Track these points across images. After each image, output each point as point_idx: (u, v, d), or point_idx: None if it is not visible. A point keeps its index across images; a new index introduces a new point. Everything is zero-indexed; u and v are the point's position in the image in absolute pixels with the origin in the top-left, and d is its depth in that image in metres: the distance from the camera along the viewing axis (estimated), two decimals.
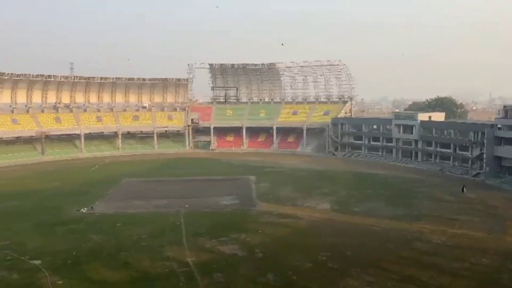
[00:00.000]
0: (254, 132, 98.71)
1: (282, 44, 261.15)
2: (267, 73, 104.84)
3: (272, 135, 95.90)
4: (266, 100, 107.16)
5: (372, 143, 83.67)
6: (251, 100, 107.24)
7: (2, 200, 46.68)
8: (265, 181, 57.02)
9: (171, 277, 25.19)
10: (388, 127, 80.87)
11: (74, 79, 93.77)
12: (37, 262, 27.63)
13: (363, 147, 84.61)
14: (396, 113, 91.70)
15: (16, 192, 51.19)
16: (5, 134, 79.65)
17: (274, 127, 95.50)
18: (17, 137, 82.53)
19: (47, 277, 25.03)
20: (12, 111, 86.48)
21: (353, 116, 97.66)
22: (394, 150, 79.19)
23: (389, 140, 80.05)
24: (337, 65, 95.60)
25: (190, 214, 40.13)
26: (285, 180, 58.84)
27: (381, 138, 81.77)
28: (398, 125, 77.83)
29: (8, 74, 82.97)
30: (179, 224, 36.53)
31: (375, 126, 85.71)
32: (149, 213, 40.79)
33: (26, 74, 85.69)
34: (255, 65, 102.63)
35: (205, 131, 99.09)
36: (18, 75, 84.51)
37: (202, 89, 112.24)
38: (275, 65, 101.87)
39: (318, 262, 27.61)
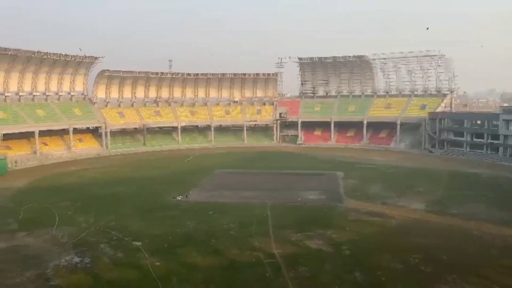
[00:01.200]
0: (343, 126, 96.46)
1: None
2: (357, 65, 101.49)
3: (362, 130, 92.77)
4: (356, 93, 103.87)
5: (475, 140, 76.61)
6: (340, 94, 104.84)
7: (111, 185, 51.98)
8: (353, 177, 55.49)
9: (258, 267, 25.86)
10: (494, 122, 73.32)
11: (172, 76, 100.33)
12: (138, 243, 30.30)
13: (464, 144, 77.86)
14: (505, 107, 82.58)
15: (122, 178, 56.67)
16: (114, 126, 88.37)
17: (365, 122, 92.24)
18: (123, 129, 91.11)
19: (146, 258, 27.36)
20: (119, 105, 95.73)
21: (453, 111, 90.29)
22: (501, 148, 71.62)
23: (495, 137, 72.56)
24: (436, 55, 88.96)
25: (276, 206, 40.69)
26: (375, 177, 56.63)
27: (485, 134, 74.49)
28: (506, 121, 70.14)
29: (117, 71, 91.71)
30: (266, 216, 37.25)
31: (479, 122, 78.20)
32: (238, 204, 42.23)
33: (131, 71, 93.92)
34: (345, 57, 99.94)
35: (293, 125, 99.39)
36: (124, 72, 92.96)
37: (290, 84, 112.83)
38: (366, 57, 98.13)
39: (410, 264, 26.19)
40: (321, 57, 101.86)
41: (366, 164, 67.24)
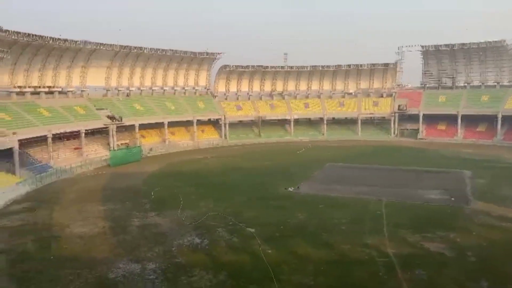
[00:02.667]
0: (471, 120, 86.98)
1: None
2: (492, 52, 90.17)
3: (495, 125, 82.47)
4: (490, 83, 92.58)
5: None
6: (469, 84, 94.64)
7: (228, 174, 55.25)
8: (483, 177, 49.82)
9: (370, 265, 25.00)
10: None
11: (287, 69, 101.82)
12: (252, 230, 31.69)
13: None
14: None
15: (238, 168, 59.78)
16: (232, 118, 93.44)
17: (499, 115, 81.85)
18: (240, 121, 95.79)
19: (259, 244, 28.49)
20: (237, 99, 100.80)
21: None
22: None
23: None
24: None
25: (392, 204, 38.71)
26: (510, 177, 50.04)
27: None
28: None
29: (236, 66, 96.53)
30: (380, 213, 35.71)
31: None
32: (350, 199, 41.26)
33: (249, 66, 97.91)
34: (478, 43, 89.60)
35: (413, 118, 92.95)
36: (242, 67, 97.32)
37: (411, 74, 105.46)
38: (504, 42, 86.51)
39: None
40: (448, 44, 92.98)
41: (500, 163, 59.78)
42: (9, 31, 56.59)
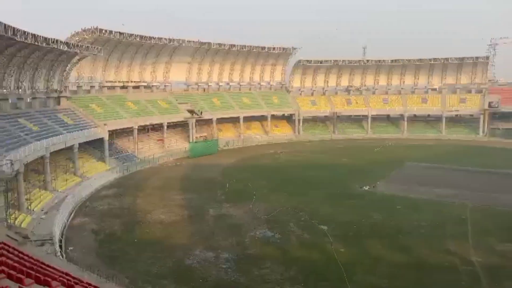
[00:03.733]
0: None
1: None
2: None
3: None
4: None
5: None
6: None
7: (301, 169, 55.04)
8: None
9: (451, 273, 23.39)
10: None
11: (365, 63, 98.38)
12: (324, 227, 31.27)
13: None
14: None
15: (311, 164, 59.26)
16: (306, 113, 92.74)
17: None
18: (314, 116, 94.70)
19: (331, 243, 28.03)
20: (312, 94, 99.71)
21: None
22: None
23: None
24: None
25: (479, 209, 35.77)
26: None
27: None
28: None
29: (312, 61, 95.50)
30: (465, 218, 33.19)
31: None
32: (431, 201, 38.87)
33: (325, 60, 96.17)
34: None
35: (507, 116, 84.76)
36: (318, 62, 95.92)
37: (505, 68, 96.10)
38: None
39: None
40: None
41: None
42: (103, 30, 61.56)
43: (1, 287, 9.54)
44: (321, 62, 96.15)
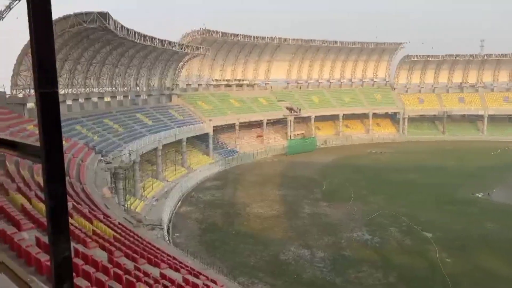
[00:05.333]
0: None
1: None
2: None
3: None
4: None
5: None
6: None
7: (404, 171, 52.02)
8: None
9: None
10: None
11: (483, 58, 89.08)
12: (428, 235, 29.20)
13: None
14: None
15: (416, 165, 55.59)
16: (412, 112, 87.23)
17: None
18: (421, 115, 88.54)
19: (436, 251, 26.08)
20: (420, 91, 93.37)
21: None
22: None
23: None
24: None
25: None
26: None
27: None
28: None
29: (420, 56, 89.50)
30: None
31: None
32: None
33: (436, 56, 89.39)
34: None
35: None
36: (428, 56, 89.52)
37: None
38: None
39: None
40: None
41: None
42: (210, 31, 65.26)
43: (119, 263, 10.77)
44: (430, 57, 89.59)
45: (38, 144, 1.83)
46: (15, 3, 30.38)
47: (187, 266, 14.84)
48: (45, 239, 9.23)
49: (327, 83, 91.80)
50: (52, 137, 1.78)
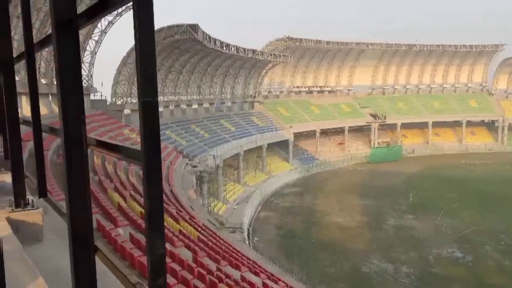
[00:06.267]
0: None
1: None
2: None
3: None
4: None
5: None
6: None
7: (502, 184, 47.06)
8: None
9: None
10: None
11: None
12: None
13: None
14: None
15: None
16: None
17: None
18: None
19: None
20: None
21: None
22: None
23: None
24: None
25: None
26: None
27: None
28: None
29: None
30: None
31: None
32: None
33: None
34: None
35: None
36: None
37: None
38: None
39: None
40: None
41: None
42: (293, 38, 65.71)
43: (202, 263, 11.25)
44: None
45: (138, 148, 2.00)
46: (116, 18, 33.50)
47: (266, 271, 15.00)
48: (137, 236, 9.99)
49: (415, 89, 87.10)
50: (151, 142, 1.93)
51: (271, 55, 56.54)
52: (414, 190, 44.82)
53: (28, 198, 5.53)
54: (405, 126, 75.85)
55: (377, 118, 72.50)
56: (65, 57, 2.55)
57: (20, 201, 5.45)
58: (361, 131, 74.19)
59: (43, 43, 4.72)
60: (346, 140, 69.28)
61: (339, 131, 71.17)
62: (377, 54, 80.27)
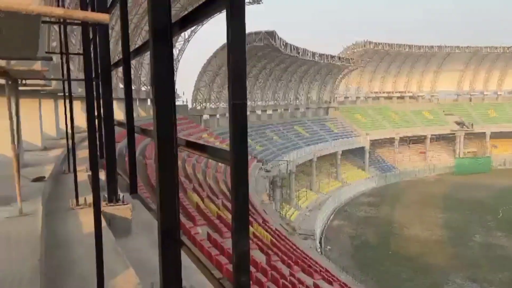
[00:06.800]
0: None
1: None
2: None
3: None
4: None
5: None
6: None
7: None
8: None
9: None
10: None
11: None
12: None
13: None
14: None
15: None
16: None
17: None
18: None
19: None
20: None
21: None
22: None
23: None
24: None
25: None
26: None
27: None
28: None
29: None
30: None
31: None
32: None
33: None
34: None
35: None
36: None
37: None
38: None
39: None
40: None
41: None
42: (372, 42, 63.75)
43: (276, 267, 11.32)
44: None
45: (227, 148, 2.10)
46: (199, 27, 35.17)
47: (339, 280, 14.67)
48: (215, 235, 10.36)
49: (508, 95, 79.73)
50: (240, 143, 2.02)
51: (348, 60, 55.44)
52: (505, 206, 40.84)
53: (119, 194, 6.03)
54: (495, 135, 69.66)
55: (464, 126, 67.51)
56: (160, 63, 2.77)
57: (112, 197, 5.96)
58: (444, 139, 69.54)
59: (138, 51, 5.11)
60: (427, 149, 65.42)
61: (420, 139, 67.43)
62: (464, 58, 74.92)
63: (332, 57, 51.39)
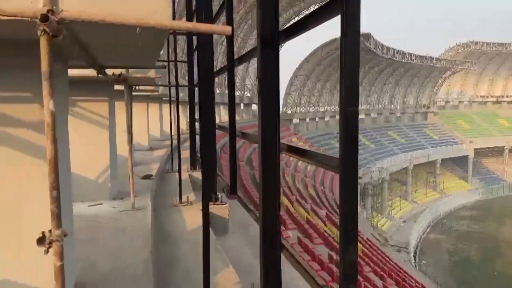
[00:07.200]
0: None
1: None
2: None
3: None
4: None
5: None
6: None
7: None
8: None
9: None
10: None
11: None
12: None
13: None
14: None
15: None
16: None
17: None
18: None
19: None
20: None
21: None
22: None
23: None
24: None
25: None
26: None
27: None
28: None
29: None
30: None
31: None
32: None
33: None
34: None
35: None
36: None
37: None
38: None
39: None
40: None
41: None
42: (479, 43, 58.37)
43: (368, 278, 10.90)
44: None
45: (336, 156, 2.07)
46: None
47: None
48: (305, 240, 10.32)
49: None
50: (350, 150, 1.98)
51: (450, 61, 51.47)
52: None
53: (217, 194, 6.33)
54: None
55: None
56: (266, 69, 2.86)
57: (212, 196, 6.28)
58: None
59: (242, 59, 5.32)
60: None
61: None
62: None
63: (432, 58, 48.08)
